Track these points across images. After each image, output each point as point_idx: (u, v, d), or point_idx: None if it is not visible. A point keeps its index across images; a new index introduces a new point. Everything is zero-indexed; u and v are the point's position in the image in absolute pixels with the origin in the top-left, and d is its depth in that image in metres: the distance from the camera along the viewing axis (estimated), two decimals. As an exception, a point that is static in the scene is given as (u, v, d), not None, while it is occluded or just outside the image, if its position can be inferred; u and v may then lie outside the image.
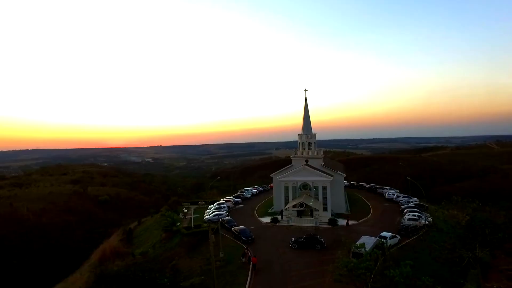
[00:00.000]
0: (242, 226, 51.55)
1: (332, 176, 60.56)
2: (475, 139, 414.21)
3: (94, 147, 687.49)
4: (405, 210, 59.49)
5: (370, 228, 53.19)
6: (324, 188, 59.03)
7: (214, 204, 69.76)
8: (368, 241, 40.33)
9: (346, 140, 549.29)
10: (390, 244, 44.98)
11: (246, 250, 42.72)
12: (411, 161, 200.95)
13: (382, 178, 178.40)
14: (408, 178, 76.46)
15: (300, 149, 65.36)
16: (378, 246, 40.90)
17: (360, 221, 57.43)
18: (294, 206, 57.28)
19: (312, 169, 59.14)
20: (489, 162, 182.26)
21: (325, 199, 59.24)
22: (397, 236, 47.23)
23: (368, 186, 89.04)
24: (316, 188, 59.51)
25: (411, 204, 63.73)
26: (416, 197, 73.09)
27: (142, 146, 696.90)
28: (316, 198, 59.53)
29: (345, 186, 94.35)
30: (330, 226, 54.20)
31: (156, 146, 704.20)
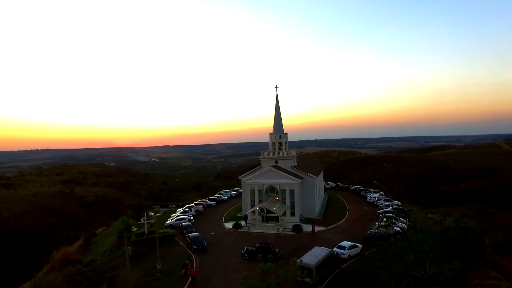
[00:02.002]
0: (196, 233, 48.00)
1: (301, 178, 56.48)
2: (487, 138, 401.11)
3: (103, 147, 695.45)
4: (380, 216, 54.87)
5: (337, 236, 49.02)
6: (292, 192, 55.01)
7: (184, 208, 66.59)
8: (318, 253, 36.28)
9: (353, 139, 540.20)
10: (349, 256, 40.76)
11: (187, 261, 39.15)
12: (415, 161, 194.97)
13: (383, 178, 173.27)
14: (375, 181, 71.87)
15: (271, 149, 61.39)
16: (331, 259, 36.76)
17: (329, 227, 53.21)
18: (261, 211, 53.51)
19: (278, 171, 55.16)
20: (496, 161, 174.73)
21: (293, 203, 55.25)
22: (359, 245, 42.92)
23: (352, 188, 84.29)
24: (283, 191, 55.51)
25: (389, 209, 59.01)
26: (399, 201, 68.27)
27: (149, 145, 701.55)
28: (284, 202, 55.58)
29: (330, 188, 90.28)
30: (294, 233, 50.19)
31: (163, 146, 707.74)
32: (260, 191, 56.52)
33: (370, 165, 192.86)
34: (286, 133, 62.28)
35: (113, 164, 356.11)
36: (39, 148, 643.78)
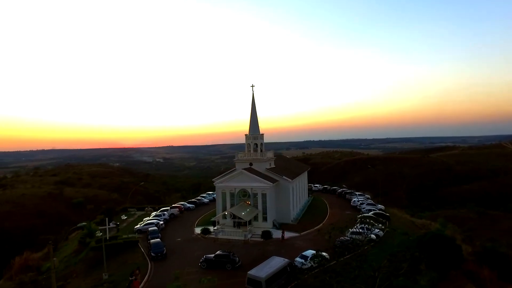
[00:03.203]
0: (156, 240, 45.53)
1: (275, 181, 53.65)
2: (494, 138, 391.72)
3: (109, 147, 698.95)
4: (358, 220, 51.77)
5: (308, 243, 46.09)
6: (264, 195, 52.21)
7: (158, 211, 64.33)
8: (272, 264, 33.49)
9: (358, 140, 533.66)
10: (312, 265, 37.76)
11: (136, 271, 36.63)
12: (418, 162, 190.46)
13: (384, 179, 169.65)
14: (344, 186, 68.46)
15: (246, 151, 58.66)
16: (289, 270, 33.93)
17: (302, 233, 50.25)
18: (233, 217, 50.90)
19: (250, 174, 52.38)
20: (500, 163, 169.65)
21: (266, 207, 52.45)
22: (324, 254, 39.81)
23: (339, 191, 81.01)
24: (255, 195, 52.75)
25: (370, 214, 55.77)
26: (382, 205, 64.95)
27: (154, 146, 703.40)
28: (256, 206, 52.82)
29: (317, 191, 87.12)
30: (263, 240, 47.39)
31: (168, 146, 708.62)
32: (232, 195, 53.88)
33: (372, 166, 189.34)
34: (262, 134, 59.47)
35: (117, 164, 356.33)
36: (45, 148, 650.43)
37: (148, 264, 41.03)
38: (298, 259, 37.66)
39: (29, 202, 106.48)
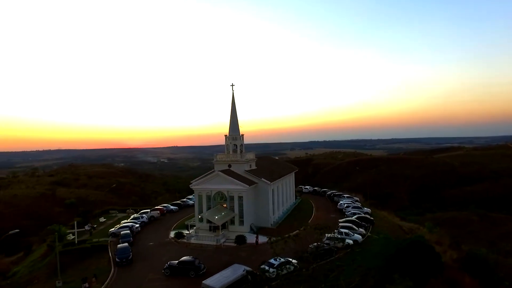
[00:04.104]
0: (124, 244, 43.87)
1: (253, 183, 51.74)
2: (501, 139, 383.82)
3: (113, 147, 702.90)
4: (338, 225, 49.58)
5: (283, 248, 43.95)
6: (241, 198, 50.29)
7: (138, 213, 62.84)
8: (228, 274, 31.58)
9: (363, 140, 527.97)
10: (278, 274, 35.69)
11: (93, 278, 35.07)
12: (421, 163, 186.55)
13: (387, 180, 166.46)
14: (309, 187, 65.69)
15: (226, 152, 56.81)
16: (249, 279, 31.96)
17: (279, 238, 48.09)
18: (209, 221, 49.09)
19: (227, 176, 50.49)
20: (505, 164, 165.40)
21: (243, 210, 50.53)
22: (293, 262, 37.82)
23: (328, 193, 78.62)
24: (232, 198, 50.87)
25: (353, 218, 53.49)
26: (369, 208, 62.47)
27: (158, 146, 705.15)
28: (232, 209, 50.94)
29: (307, 193, 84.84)
30: (236, 245, 45.49)
31: (172, 147, 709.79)
32: (208, 198, 52.07)
33: (374, 167, 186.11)
34: (243, 135, 57.58)
35: (122, 164, 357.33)
36: (52, 149, 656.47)
37: (111, 270, 39.42)
38: (264, 266, 35.60)
39: (21, 202, 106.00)
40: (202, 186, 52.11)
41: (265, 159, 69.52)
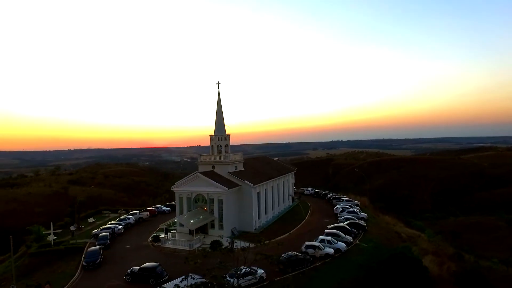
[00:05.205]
0: (94, 247, 42.77)
1: (235, 186, 49.21)
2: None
3: (140, 146, 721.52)
4: (325, 231, 46.03)
5: (258, 256, 41.10)
6: (221, 201, 47.91)
7: (127, 215, 62.02)
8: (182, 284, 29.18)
9: (389, 140, 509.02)
10: (240, 285, 32.95)
11: (47, 285, 33.82)
12: (447, 164, 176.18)
13: (408, 182, 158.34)
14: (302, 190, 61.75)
15: (210, 153, 54.64)
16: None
17: (259, 244, 45.20)
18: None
19: (207, 178, 48.27)
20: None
21: (222, 214, 48.15)
22: (259, 272, 34.99)
23: (328, 195, 74.53)
24: (211, 200, 48.61)
25: (344, 224, 49.62)
26: (365, 213, 58.09)
27: (183, 146, 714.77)
28: (212, 212, 48.68)
29: (309, 195, 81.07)
30: (210, 250, 43.03)
31: (196, 146, 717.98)
32: (188, 200, 50.11)
33: (398, 167, 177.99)
34: (229, 135, 55.23)
35: (146, 163, 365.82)
36: (82, 148, 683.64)
37: (75, 274, 38.26)
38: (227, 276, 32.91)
39: (33, 200, 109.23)
40: (182, 188, 50.25)
41: (259, 160, 66.80)
